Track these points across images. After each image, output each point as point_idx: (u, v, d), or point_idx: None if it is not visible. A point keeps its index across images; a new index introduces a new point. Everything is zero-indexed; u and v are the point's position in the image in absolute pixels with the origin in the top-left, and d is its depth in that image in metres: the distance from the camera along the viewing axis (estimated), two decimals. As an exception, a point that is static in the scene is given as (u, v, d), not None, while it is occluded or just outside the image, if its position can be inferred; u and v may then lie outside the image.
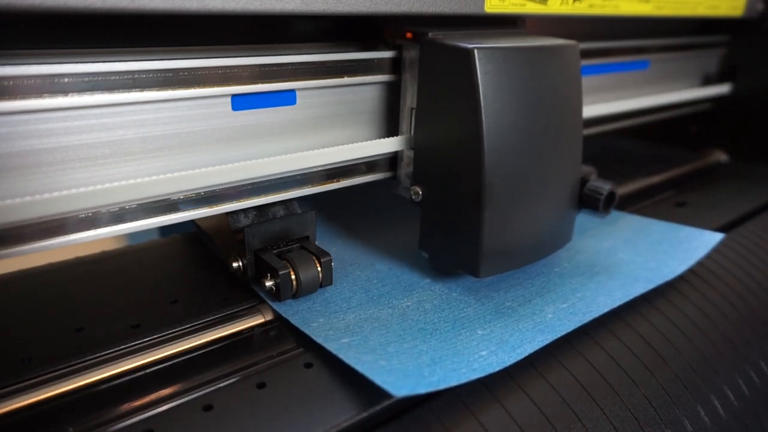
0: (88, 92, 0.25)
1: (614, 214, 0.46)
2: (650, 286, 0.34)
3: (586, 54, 0.47)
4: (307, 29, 0.34)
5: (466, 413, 0.26)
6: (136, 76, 0.26)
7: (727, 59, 0.63)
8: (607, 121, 0.51)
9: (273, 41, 0.32)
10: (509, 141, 0.30)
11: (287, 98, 0.32)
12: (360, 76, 0.33)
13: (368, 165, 0.35)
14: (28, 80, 0.23)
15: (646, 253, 0.39)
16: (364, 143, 0.33)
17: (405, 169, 0.35)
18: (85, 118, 0.26)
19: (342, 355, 0.27)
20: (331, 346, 0.28)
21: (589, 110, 0.47)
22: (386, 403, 0.26)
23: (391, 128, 0.36)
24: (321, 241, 0.34)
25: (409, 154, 0.35)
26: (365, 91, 0.35)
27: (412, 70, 0.33)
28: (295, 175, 0.32)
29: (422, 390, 0.24)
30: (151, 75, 0.26)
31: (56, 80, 0.24)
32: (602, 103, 0.49)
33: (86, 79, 0.25)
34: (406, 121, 0.35)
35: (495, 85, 0.29)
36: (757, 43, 0.61)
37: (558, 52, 0.33)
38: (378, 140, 0.34)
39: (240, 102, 0.30)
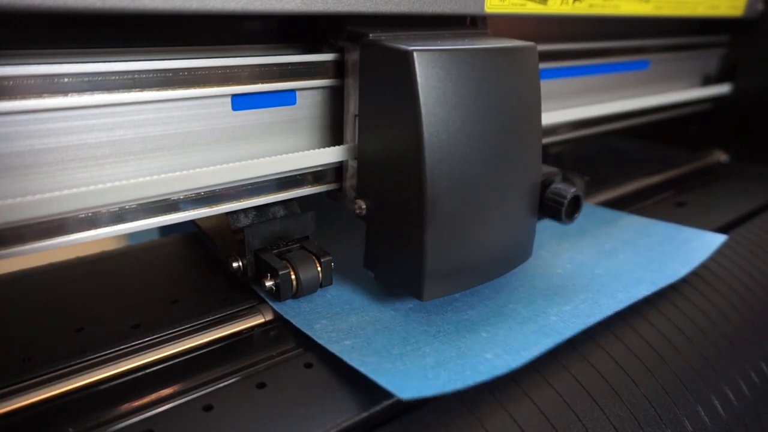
0: (88, 92, 0.25)
1: (615, 215, 0.46)
2: (653, 288, 0.34)
3: (586, 54, 0.47)
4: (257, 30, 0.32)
5: (465, 413, 0.26)
6: (136, 76, 0.26)
7: (727, 59, 0.63)
8: (607, 121, 0.51)
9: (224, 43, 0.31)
10: (455, 151, 0.28)
11: (288, 98, 0.32)
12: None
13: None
14: (28, 80, 0.23)
15: (648, 255, 0.39)
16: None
17: (350, 181, 0.33)
18: (85, 118, 0.26)
19: (345, 358, 0.27)
20: (334, 348, 0.28)
21: (589, 110, 0.47)
22: (386, 403, 0.26)
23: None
24: (323, 243, 0.34)
25: (353, 165, 0.32)
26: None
27: (354, 74, 0.31)
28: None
29: (428, 393, 0.24)
30: (151, 75, 0.26)
31: (56, 80, 0.24)
32: (602, 103, 0.49)
33: (86, 79, 0.25)
34: (350, 129, 0.32)
35: (438, 90, 0.27)
36: (757, 43, 0.61)
37: (511, 54, 0.31)
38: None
39: (237, 102, 0.30)
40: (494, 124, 0.29)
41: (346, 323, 0.30)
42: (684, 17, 0.49)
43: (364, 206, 0.32)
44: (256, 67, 0.30)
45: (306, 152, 0.31)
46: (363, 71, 0.30)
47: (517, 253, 0.34)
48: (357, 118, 0.31)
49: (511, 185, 0.31)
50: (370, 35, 0.30)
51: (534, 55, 0.32)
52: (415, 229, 0.29)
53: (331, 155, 0.32)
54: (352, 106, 0.32)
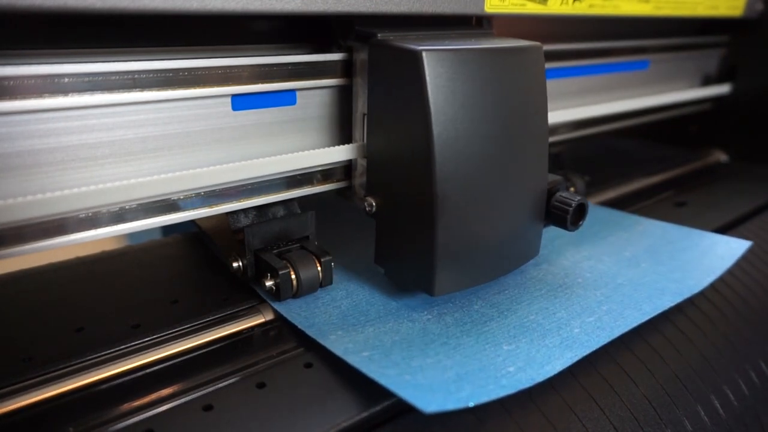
0: (88, 92, 0.25)
1: (633, 219, 0.45)
2: (678, 299, 0.33)
3: (586, 54, 0.47)
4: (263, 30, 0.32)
5: (465, 412, 0.26)
6: (136, 76, 0.26)
7: (727, 59, 0.63)
8: (607, 121, 0.51)
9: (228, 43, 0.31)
10: (464, 149, 0.28)
11: (289, 98, 0.32)
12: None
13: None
14: (28, 80, 0.23)
15: (669, 263, 0.38)
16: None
17: (359, 179, 0.34)
18: (85, 118, 0.26)
19: (365, 370, 0.26)
20: (352, 360, 0.27)
21: (589, 110, 0.47)
22: (386, 403, 0.26)
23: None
24: (335, 247, 0.34)
25: (362, 163, 0.33)
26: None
27: (362, 73, 0.32)
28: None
29: (452, 406, 0.24)
30: (151, 75, 0.26)
31: (56, 80, 0.24)
32: (602, 103, 0.49)
33: (86, 79, 0.25)
34: (359, 128, 0.33)
35: (447, 89, 0.28)
36: (757, 43, 0.61)
37: (518, 54, 0.31)
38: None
39: (238, 102, 0.30)
40: (501, 122, 0.30)
41: (363, 335, 0.30)
42: (684, 17, 0.49)
43: (374, 204, 0.32)
44: (256, 67, 0.30)
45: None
46: (372, 71, 0.31)
47: (524, 251, 0.34)
48: (366, 117, 0.32)
49: (518, 182, 0.32)
50: (379, 35, 0.30)
51: (540, 56, 0.32)
52: (425, 226, 0.29)
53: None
54: (360, 105, 0.33)
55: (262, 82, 0.30)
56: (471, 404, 0.24)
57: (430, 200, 0.28)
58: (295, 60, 0.31)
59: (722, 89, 0.62)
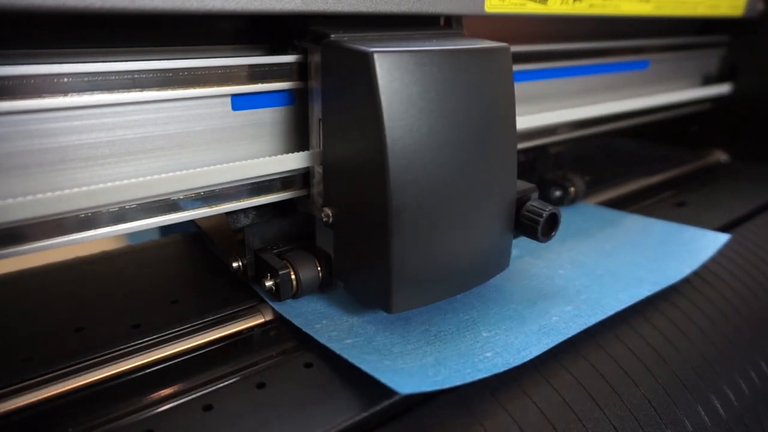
0: (88, 92, 0.25)
1: (616, 215, 0.46)
2: (656, 288, 0.34)
3: (586, 54, 0.47)
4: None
5: (465, 412, 0.26)
6: (136, 76, 0.26)
7: (727, 59, 0.63)
8: (607, 121, 0.51)
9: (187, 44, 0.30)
10: (422, 158, 0.27)
11: (289, 98, 0.32)
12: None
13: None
14: (28, 80, 0.23)
15: (649, 255, 0.39)
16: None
17: (317, 188, 0.32)
18: (85, 118, 0.26)
19: (346, 355, 0.27)
20: (334, 347, 0.28)
21: (589, 110, 0.47)
22: (386, 403, 0.26)
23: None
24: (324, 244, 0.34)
25: (320, 171, 0.31)
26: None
27: (317, 76, 0.30)
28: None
29: (426, 388, 0.24)
30: (151, 75, 0.26)
31: (56, 80, 0.24)
32: (602, 103, 0.49)
33: (86, 79, 0.25)
34: (315, 134, 0.31)
35: (402, 93, 0.26)
36: (757, 43, 0.61)
37: (483, 55, 0.29)
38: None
39: (238, 102, 0.30)
40: (464, 128, 0.28)
41: (348, 323, 0.30)
42: (684, 17, 0.49)
43: (330, 214, 0.31)
44: (256, 67, 0.30)
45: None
46: (325, 74, 0.29)
47: (492, 265, 0.32)
48: (321, 123, 0.30)
49: (483, 193, 0.30)
50: (332, 36, 0.28)
51: (507, 57, 0.30)
52: (381, 239, 0.27)
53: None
54: (316, 110, 0.31)
55: (263, 82, 0.30)
56: (446, 386, 0.25)
57: (384, 212, 0.27)
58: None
59: (722, 89, 0.62)
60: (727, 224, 0.46)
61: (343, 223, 0.30)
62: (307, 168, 0.32)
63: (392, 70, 0.26)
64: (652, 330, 0.33)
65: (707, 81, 0.63)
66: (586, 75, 0.49)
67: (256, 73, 0.30)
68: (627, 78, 0.53)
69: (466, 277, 0.31)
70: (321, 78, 0.29)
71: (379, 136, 0.26)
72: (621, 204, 0.49)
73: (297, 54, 0.31)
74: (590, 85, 0.49)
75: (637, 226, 0.44)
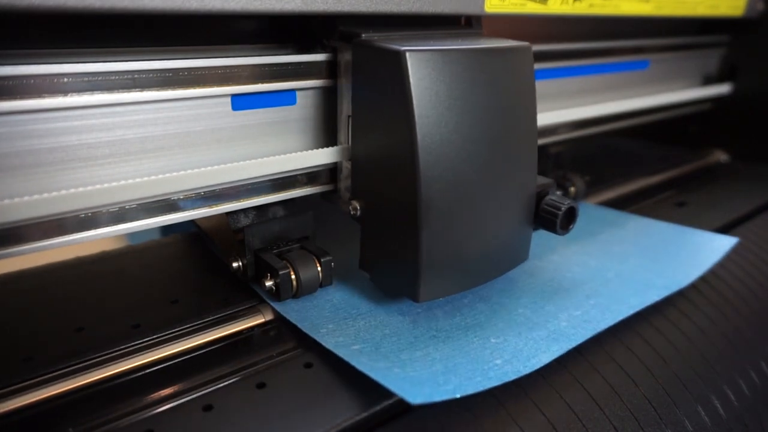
0: (88, 92, 0.25)
1: (624, 217, 0.46)
2: (665, 293, 0.34)
3: (586, 54, 0.47)
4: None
5: (465, 413, 0.26)
6: (136, 76, 0.26)
7: (727, 59, 0.63)
8: (607, 121, 0.51)
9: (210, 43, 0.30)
10: (449, 153, 0.28)
11: (289, 98, 0.32)
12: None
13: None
14: (28, 80, 0.23)
15: (658, 259, 0.38)
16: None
17: (344, 182, 0.33)
18: (85, 118, 0.26)
19: (354, 362, 0.26)
20: (342, 353, 0.27)
21: (589, 110, 0.47)
22: (386, 403, 0.26)
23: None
24: (328, 246, 0.34)
25: (348, 166, 0.32)
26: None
27: (347, 74, 0.31)
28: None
29: (438, 398, 0.24)
30: (151, 75, 0.26)
31: (56, 80, 0.24)
32: (602, 103, 0.49)
33: (86, 79, 0.25)
34: (344, 130, 0.32)
35: (431, 90, 0.27)
36: (757, 43, 0.61)
37: (506, 54, 0.30)
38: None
39: (238, 102, 0.30)
40: (488, 125, 0.29)
41: (353, 328, 0.30)
42: (684, 17, 0.49)
43: (358, 207, 0.32)
44: (256, 67, 0.30)
45: (299, 153, 0.31)
46: (355, 72, 0.30)
47: (512, 256, 0.33)
48: (350, 119, 0.31)
49: (506, 186, 0.31)
50: (363, 35, 0.29)
51: (529, 56, 0.31)
52: (410, 230, 0.28)
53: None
54: (345, 107, 0.32)
55: (263, 82, 0.30)
56: (458, 395, 0.24)
57: (414, 205, 0.28)
58: (294, 60, 0.31)
59: (722, 89, 0.62)
60: (727, 224, 0.46)
61: (370, 216, 0.31)
62: (335, 163, 0.33)
63: (422, 68, 0.27)
64: (652, 330, 0.33)
65: (707, 81, 0.63)
66: (586, 75, 0.49)
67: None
68: (627, 78, 0.53)
69: (488, 268, 0.32)
70: (351, 75, 0.30)
71: (409, 131, 0.27)
72: (621, 204, 0.49)
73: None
74: (590, 85, 0.49)
75: (646, 229, 0.43)
